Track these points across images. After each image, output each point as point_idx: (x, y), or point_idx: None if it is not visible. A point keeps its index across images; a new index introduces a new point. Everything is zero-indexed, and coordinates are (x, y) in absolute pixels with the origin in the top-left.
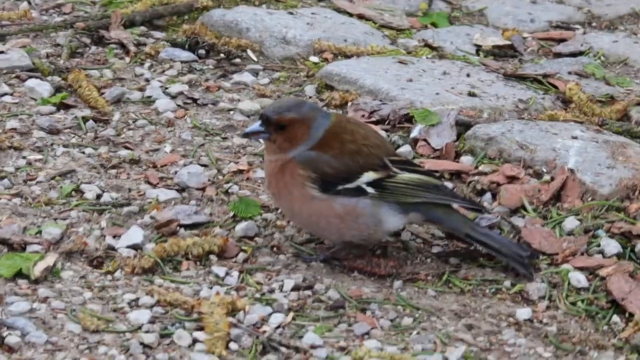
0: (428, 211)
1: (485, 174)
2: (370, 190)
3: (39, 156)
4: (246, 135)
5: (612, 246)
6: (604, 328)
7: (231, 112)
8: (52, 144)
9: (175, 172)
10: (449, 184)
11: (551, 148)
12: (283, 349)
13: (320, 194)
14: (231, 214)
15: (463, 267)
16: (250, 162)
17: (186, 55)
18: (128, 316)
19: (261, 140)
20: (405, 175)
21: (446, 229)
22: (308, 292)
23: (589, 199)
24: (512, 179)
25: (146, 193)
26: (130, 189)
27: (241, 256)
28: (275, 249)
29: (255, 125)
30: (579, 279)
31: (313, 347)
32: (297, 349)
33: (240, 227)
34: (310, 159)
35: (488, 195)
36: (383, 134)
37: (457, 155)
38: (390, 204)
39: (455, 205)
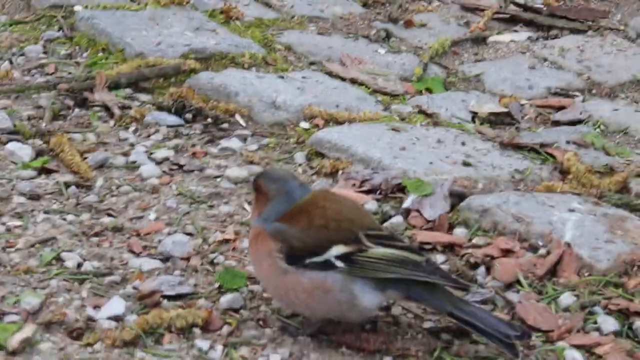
0: (407, 288)
1: (479, 246)
2: (339, 264)
3: (19, 222)
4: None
5: (609, 323)
6: None
7: (218, 179)
8: (32, 210)
9: (160, 241)
10: (441, 257)
11: (547, 221)
12: None
13: (287, 266)
14: (216, 285)
15: (455, 343)
16: (237, 232)
17: (172, 119)
18: None
19: None
20: (379, 250)
21: (428, 307)
22: None
23: (586, 274)
24: (506, 253)
25: (129, 262)
26: (112, 258)
27: (226, 329)
28: (261, 322)
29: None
30: (575, 357)
31: None
32: None
33: (226, 299)
34: (279, 231)
35: (482, 268)
36: (374, 204)
37: (451, 227)
38: (365, 280)
39: None
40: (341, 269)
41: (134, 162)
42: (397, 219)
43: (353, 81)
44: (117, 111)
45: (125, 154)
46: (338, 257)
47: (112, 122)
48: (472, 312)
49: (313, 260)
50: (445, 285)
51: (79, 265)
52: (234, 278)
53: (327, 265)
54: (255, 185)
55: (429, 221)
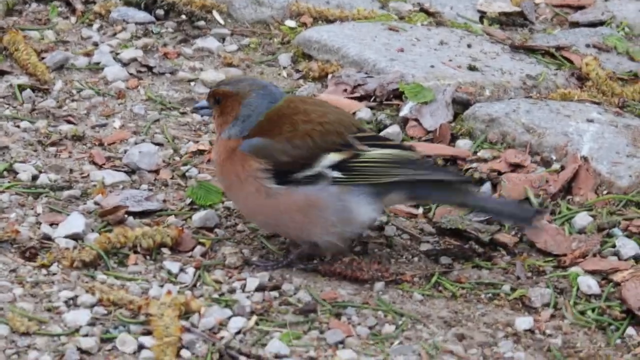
0: (412, 188)
1: (485, 160)
2: (335, 174)
3: None
4: (195, 110)
5: (629, 247)
6: (616, 342)
7: (192, 84)
8: None
9: (125, 152)
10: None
11: (562, 132)
12: (243, 358)
13: (277, 186)
14: (188, 201)
15: (455, 267)
16: (213, 141)
17: (142, 15)
18: (64, 317)
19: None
20: (376, 152)
21: (435, 203)
22: (274, 294)
23: (604, 192)
24: (515, 167)
25: (90, 175)
26: (71, 170)
27: (198, 250)
28: (237, 242)
29: (203, 102)
30: (589, 284)
31: (278, 356)
32: (260, 359)
33: (199, 217)
34: (259, 147)
35: (488, 185)
36: (367, 112)
37: (453, 139)
38: (361, 189)
39: None
40: (337, 180)
41: (98, 63)
42: (393, 129)
43: None
44: (79, 6)
45: (88, 54)
46: (332, 167)
47: (73, 19)
48: (483, 198)
49: (304, 174)
50: (451, 180)
51: (34, 177)
52: (208, 193)
53: (321, 178)
54: (216, 95)
55: (428, 131)
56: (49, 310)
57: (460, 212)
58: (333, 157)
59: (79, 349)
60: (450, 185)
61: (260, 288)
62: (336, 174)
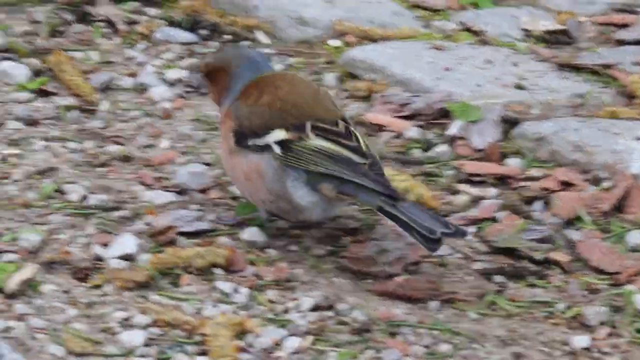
0: (339, 184)
1: (536, 179)
2: (276, 149)
3: (15, 151)
4: (196, 89)
5: None
6: None
7: None
8: (29, 137)
9: (174, 172)
10: (493, 190)
11: (612, 150)
12: None
13: (235, 147)
14: (238, 219)
15: (509, 286)
16: None
17: (186, 36)
18: (119, 337)
19: None
20: (317, 142)
21: (358, 202)
22: (329, 313)
23: None
24: (566, 186)
25: (140, 195)
26: (120, 191)
27: (250, 270)
28: (290, 262)
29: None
30: None
31: None
32: None
33: (249, 235)
34: (233, 109)
35: (539, 203)
36: (415, 131)
37: (503, 157)
38: (298, 172)
39: None
40: (277, 156)
41: (143, 83)
42: (442, 148)
43: None
44: (122, 27)
45: (133, 75)
46: (277, 143)
47: (117, 39)
48: (405, 208)
49: (255, 142)
50: (371, 187)
51: (84, 198)
52: (255, 210)
53: (265, 149)
54: (208, 68)
55: (477, 150)
56: (103, 331)
57: (514, 232)
58: (279, 135)
59: None
60: (378, 192)
61: (315, 307)
62: (277, 149)
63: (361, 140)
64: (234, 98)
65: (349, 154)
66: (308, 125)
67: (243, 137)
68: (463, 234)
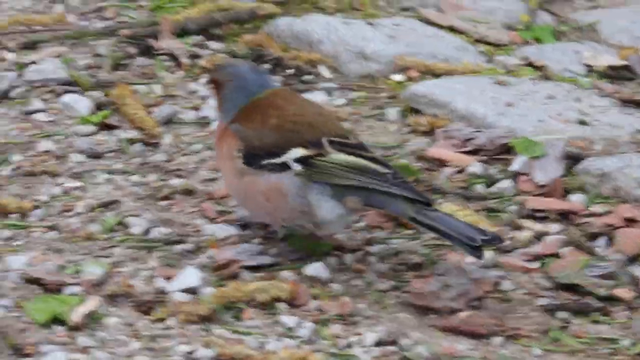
0: (367, 195)
1: (599, 215)
2: (296, 166)
3: (78, 183)
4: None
5: None
6: None
7: None
8: (92, 170)
9: (236, 205)
10: (556, 226)
11: None
12: None
13: (245, 167)
14: (300, 254)
15: (573, 322)
16: None
17: None
18: None
19: None
20: (340, 156)
21: (389, 213)
22: (393, 348)
23: None
24: (630, 222)
25: (202, 229)
26: (183, 224)
27: (313, 304)
28: (353, 296)
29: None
30: None
31: None
32: None
33: (311, 269)
34: (238, 129)
35: (602, 239)
36: (478, 166)
37: (566, 193)
38: (322, 186)
39: None
40: (298, 172)
41: (206, 117)
42: (505, 183)
43: (451, 29)
44: (185, 60)
45: (196, 108)
46: (296, 161)
47: (179, 73)
48: (437, 217)
49: (270, 161)
50: (404, 195)
51: (146, 231)
52: (317, 244)
53: (284, 168)
54: (211, 79)
55: (540, 186)
56: None
57: (578, 268)
58: (298, 152)
59: None
60: (408, 201)
61: (378, 342)
62: (297, 166)
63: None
64: (231, 117)
65: (374, 165)
66: (325, 141)
67: (254, 158)
68: (500, 240)
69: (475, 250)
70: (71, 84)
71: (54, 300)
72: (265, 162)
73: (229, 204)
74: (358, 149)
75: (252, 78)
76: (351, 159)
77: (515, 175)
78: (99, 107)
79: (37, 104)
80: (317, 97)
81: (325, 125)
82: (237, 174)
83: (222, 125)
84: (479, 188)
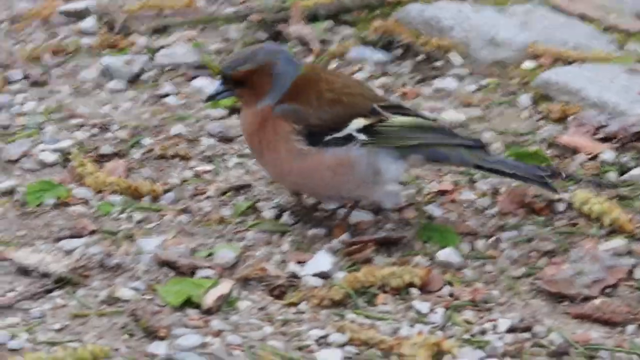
0: (430, 151)
1: None
2: (362, 137)
3: (209, 167)
4: (211, 98)
5: None
6: None
7: None
8: (223, 154)
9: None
10: None
11: None
12: None
13: (308, 147)
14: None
15: None
16: (456, 182)
17: (379, 55)
18: (315, 355)
19: None
20: (399, 119)
21: (453, 164)
22: (526, 335)
23: None
24: None
25: (334, 214)
26: (315, 208)
27: (446, 290)
28: (486, 283)
29: (217, 85)
30: None
31: None
32: None
33: (444, 255)
34: (291, 111)
35: None
36: (610, 154)
37: None
38: (388, 150)
39: None
40: (364, 142)
41: None
42: (637, 171)
43: (581, 17)
44: (316, 46)
45: None
46: (359, 130)
47: (310, 58)
48: (499, 160)
49: (334, 136)
50: (467, 145)
51: (278, 216)
52: (443, 235)
53: (349, 140)
54: (237, 77)
55: None
56: (299, 349)
57: None
58: (360, 122)
59: None
60: (466, 149)
61: (512, 329)
62: (363, 136)
63: None
64: (276, 99)
65: (428, 122)
66: (377, 107)
67: (315, 135)
68: (559, 174)
69: (545, 185)
70: (202, 68)
71: (187, 284)
72: (328, 137)
73: None
74: (405, 109)
75: (292, 57)
76: (408, 119)
77: None
78: None
79: (168, 87)
80: (448, 83)
81: (371, 94)
82: (297, 156)
83: (259, 113)
84: (611, 176)
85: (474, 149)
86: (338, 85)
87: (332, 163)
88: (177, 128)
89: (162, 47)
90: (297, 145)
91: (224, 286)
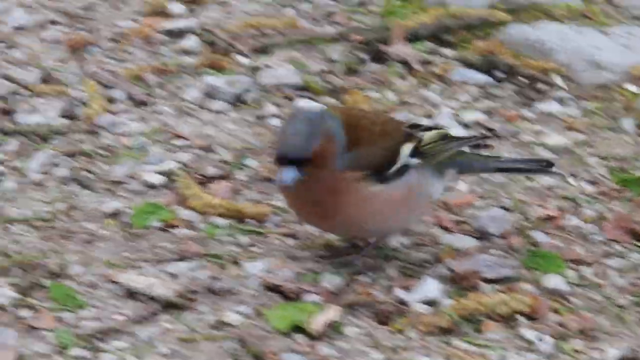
0: (459, 162)
1: None
2: (414, 161)
3: None
4: (287, 187)
5: None
6: None
7: (535, 147)
8: None
9: (473, 216)
10: None
11: None
12: None
13: (379, 187)
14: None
15: None
16: (561, 207)
17: (481, 77)
18: None
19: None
20: (427, 135)
21: (480, 172)
22: None
23: None
24: None
25: (439, 239)
26: (420, 233)
27: (554, 318)
28: (592, 311)
29: (292, 173)
30: None
31: None
32: None
33: (551, 282)
34: (355, 159)
35: None
36: None
37: None
38: (431, 169)
39: None
40: (416, 165)
41: (439, 125)
42: None
43: None
44: (417, 67)
45: (429, 116)
46: (411, 155)
47: (412, 79)
48: (510, 160)
49: (395, 168)
50: (475, 144)
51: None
52: (548, 262)
53: (406, 168)
54: (305, 159)
55: None
56: None
57: None
58: (408, 147)
59: None
60: (482, 157)
61: (620, 359)
62: (415, 160)
63: None
64: (340, 155)
65: (445, 130)
66: (407, 130)
67: (381, 173)
68: (551, 164)
69: (550, 172)
70: (304, 89)
71: (294, 308)
72: (390, 171)
73: (464, 214)
74: (421, 124)
75: (327, 110)
76: (433, 133)
77: None
78: None
79: (271, 108)
80: (551, 106)
81: (393, 118)
82: (370, 199)
83: (329, 177)
84: None
85: (486, 157)
86: (372, 117)
87: (399, 193)
88: None
89: (264, 67)
90: (371, 189)
91: (331, 312)
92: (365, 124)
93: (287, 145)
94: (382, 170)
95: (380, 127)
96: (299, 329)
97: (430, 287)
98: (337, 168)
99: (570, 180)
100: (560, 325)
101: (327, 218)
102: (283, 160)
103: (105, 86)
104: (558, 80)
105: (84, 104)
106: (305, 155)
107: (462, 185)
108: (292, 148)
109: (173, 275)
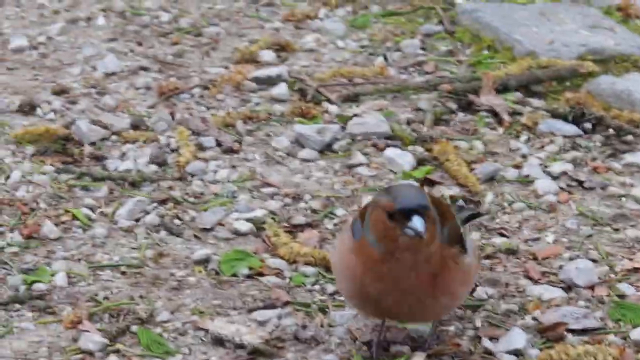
0: (465, 229)
1: None
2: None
3: None
4: (420, 235)
5: None
6: None
7: (623, 199)
8: None
9: (560, 266)
10: None
11: None
12: None
13: (468, 258)
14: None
15: None
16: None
17: (569, 128)
18: None
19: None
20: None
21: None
22: None
23: None
24: None
25: (526, 289)
26: (507, 284)
27: None
28: None
29: (422, 221)
30: None
31: None
32: None
33: (637, 334)
34: (447, 235)
35: None
36: None
37: None
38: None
39: None
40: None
41: (528, 175)
42: None
43: None
44: (506, 117)
45: (517, 166)
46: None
47: (500, 129)
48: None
49: (467, 240)
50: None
51: (471, 290)
52: (636, 313)
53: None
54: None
55: None
56: None
57: None
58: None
59: None
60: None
61: None
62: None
63: None
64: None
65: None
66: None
67: (464, 245)
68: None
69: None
70: (393, 138)
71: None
72: (466, 240)
73: (553, 265)
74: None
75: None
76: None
77: None
78: (421, 162)
79: (359, 157)
80: (638, 158)
81: None
82: (468, 273)
83: (434, 252)
84: None
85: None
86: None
87: (477, 265)
88: (368, 199)
89: (354, 115)
90: (465, 261)
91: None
92: (437, 199)
93: (410, 197)
94: (462, 242)
95: (440, 199)
96: None
97: (517, 337)
98: (437, 243)
99: None
100: None
101: (427, 297)
102: (409, 211)
103: (195, 133)
104: None
105: (174, 150)
106: (429, 206)
107: (549, 236)
108: (416, 199)
109: (260, 323)
